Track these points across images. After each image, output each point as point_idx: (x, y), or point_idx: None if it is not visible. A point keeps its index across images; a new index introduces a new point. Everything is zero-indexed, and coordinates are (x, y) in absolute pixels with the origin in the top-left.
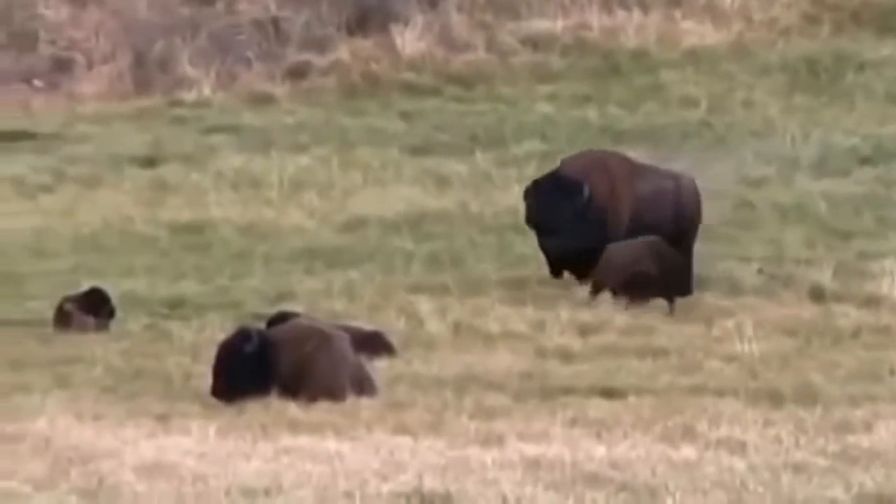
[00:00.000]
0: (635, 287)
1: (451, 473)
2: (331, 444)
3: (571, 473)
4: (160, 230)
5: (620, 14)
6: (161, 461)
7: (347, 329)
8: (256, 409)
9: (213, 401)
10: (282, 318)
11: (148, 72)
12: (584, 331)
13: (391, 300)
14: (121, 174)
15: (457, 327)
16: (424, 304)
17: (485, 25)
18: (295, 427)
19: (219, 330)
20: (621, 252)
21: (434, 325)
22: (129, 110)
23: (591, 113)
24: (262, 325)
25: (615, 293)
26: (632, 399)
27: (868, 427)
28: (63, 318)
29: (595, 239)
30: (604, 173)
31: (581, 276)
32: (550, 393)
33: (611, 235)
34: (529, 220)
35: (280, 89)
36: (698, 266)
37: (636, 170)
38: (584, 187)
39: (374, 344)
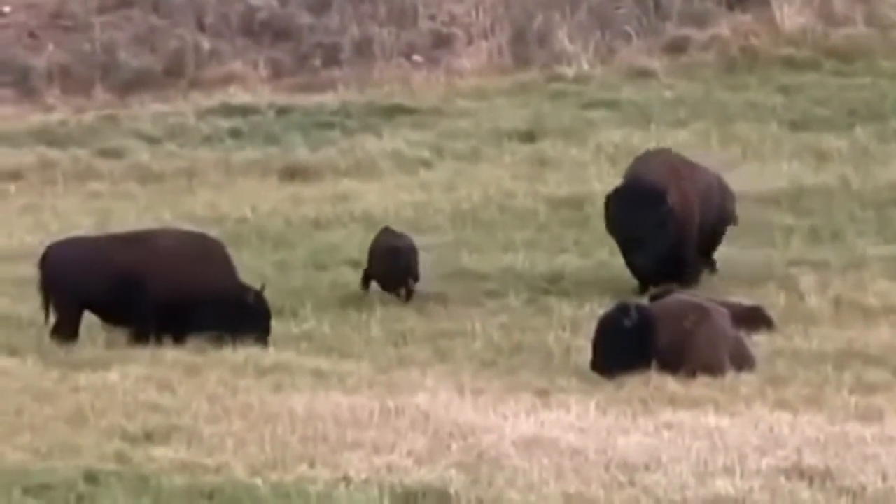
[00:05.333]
0: None
1: (830, 449)
2: (710, 419)
3: None
4: (540, 204)
5: None
6: (541, 436)
7: (727, 304)
8: (636, 384)
9: (593, 375)
10: (664, 293)
11: (527, 46)
12: None
13: (771, 275)
14: (500, 149)
15: (837, 302)
16: (805, 279)
17: None
18: (675, 402)
19: (598, 305)
20: None
21: (814, 300)
22: (508, 85)
23: None
24: (643, 301)
25: None
26: None
27: None
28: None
29: (675, 246)
30: (677, 176)
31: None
32: None
33: (688, 240)
34: (612, 231)
35: (659, 63)
36: None
37: (691, 168)
38: (667, 195)
39: (753, 319)
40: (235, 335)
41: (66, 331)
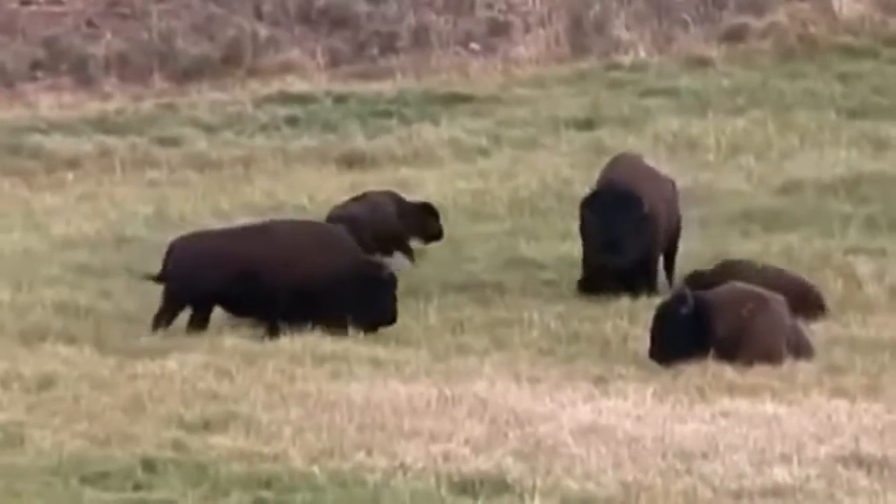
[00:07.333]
0: None
1: (888, 437)
2: (768, 407)
3: None
4: None
5: None
6: (598, 423)
7: (784, 276)
8: (693, 372)
9: (651, 363)
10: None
11: (584, 35)
12: None
13: (829, 263)
14: (558, 137)
15: (894, 290)
16: (862, 267)
17: None
18: (732, 390)
19: (655, 294)
20: None
21: (871, 288)
22: (565, 73)
23: None
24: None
25: None
26: None
27: None
28: None
29: (647, 252)
30: (648, 182)
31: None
32: None
33: (657, 246)
34: (587, 234)
35: (716, 51)
36: None
37: (656, 175)
38: (644, 201)
39: (805, 300)
40: (363, 314)
41: (165, 320)
